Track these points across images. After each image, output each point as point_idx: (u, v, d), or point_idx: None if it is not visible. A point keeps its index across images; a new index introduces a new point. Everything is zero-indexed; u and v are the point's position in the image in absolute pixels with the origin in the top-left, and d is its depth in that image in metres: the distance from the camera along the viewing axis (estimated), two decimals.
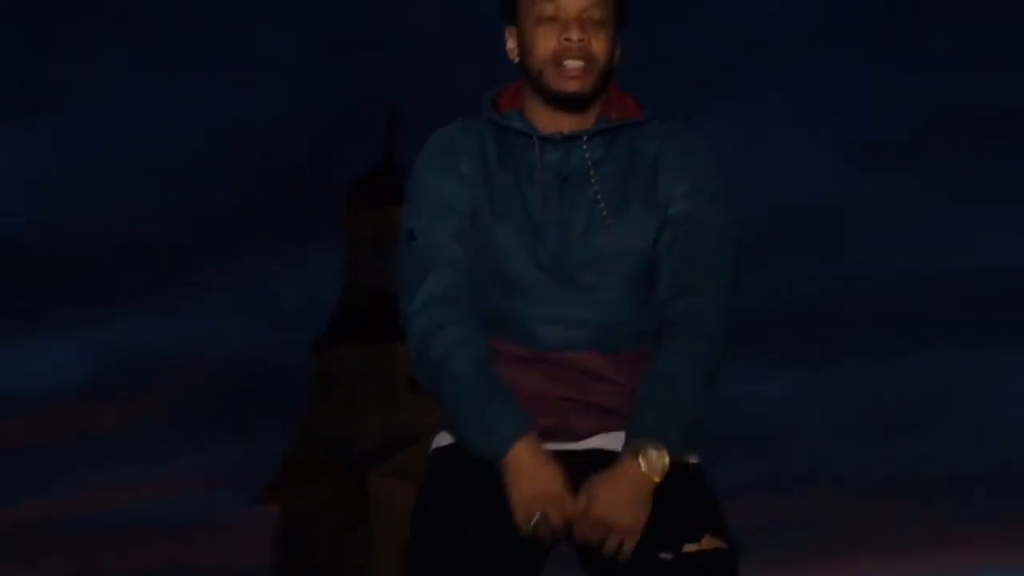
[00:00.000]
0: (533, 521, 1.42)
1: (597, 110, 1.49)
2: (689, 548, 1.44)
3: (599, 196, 1.47)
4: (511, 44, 1.50)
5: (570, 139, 1.48)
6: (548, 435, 1.46)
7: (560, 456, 1.45)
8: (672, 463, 1.43)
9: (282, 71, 28.75)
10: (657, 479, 1.41)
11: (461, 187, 1.48)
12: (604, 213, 1.46)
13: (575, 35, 1.45)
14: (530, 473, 1.42)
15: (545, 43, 1.46)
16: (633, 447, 1.42)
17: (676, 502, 1.44)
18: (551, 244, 1.46)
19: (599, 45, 1.46)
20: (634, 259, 1.47)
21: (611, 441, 1.47)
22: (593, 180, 1.47)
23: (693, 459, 1.49)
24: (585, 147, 1.48)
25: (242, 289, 26.00)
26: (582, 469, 1.45)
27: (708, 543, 1.45)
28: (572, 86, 1.45)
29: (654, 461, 1.41)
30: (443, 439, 1.51)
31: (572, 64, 1.45)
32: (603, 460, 1.45)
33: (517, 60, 1.49)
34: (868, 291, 25.85)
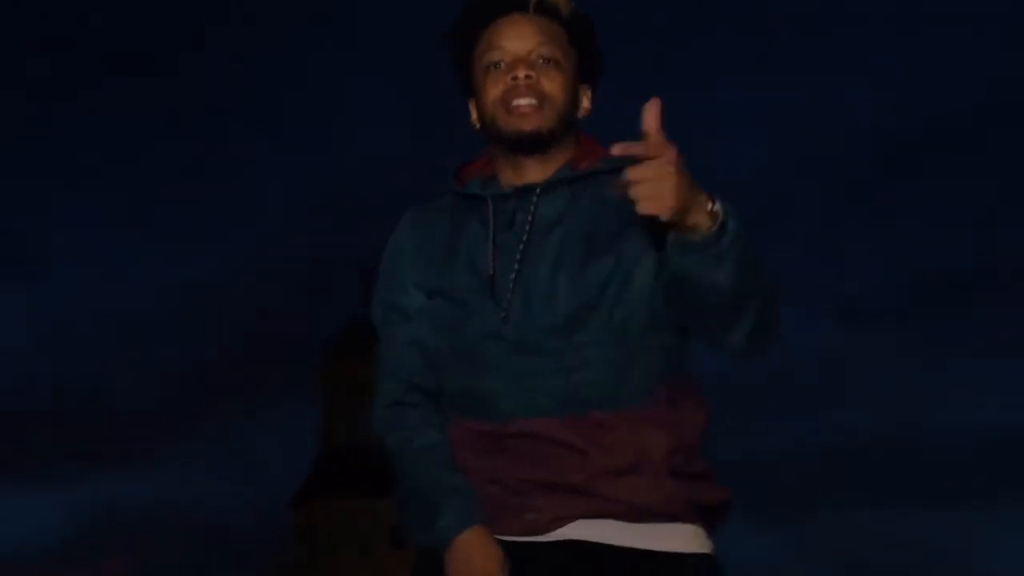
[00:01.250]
0: None
1: (561, 158, 1.41)
2: None
3: (559, 250, 1.37)
4: (473, 115, 1.43)
5: (524, 191, 1.39)
6: (509, 526, 1.37)
7: (525, 549, 1.37)
8: (683, 555, 1.36)
9: (261, 232, 29.02)
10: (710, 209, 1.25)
11: (416, 282, 1.43)
12: (564, 268, 1.37)
13: (522, 72, 1.38)
14: (467, 561, 1.36)
15: (494, 88, 1.39)
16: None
17: None
18: (513, 311, 1.37)
19: (551, 84, 1.38)
20: (607, 312, 1.36)
21: (589, 530, 1.37)
22: (554, 234, 1.38)
23: (708, 549, 1.40)
24: (535, 200, 1.39)
25: (219, 445, 25.98)
26: (552, 566, 1.36)
27: None
28: (524, 124, 1.38)
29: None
30: None
31: (521, 102, 1.38)
32: (579, 554, 1.36)
33: (479, 127, 1.42)
34: (847, 447, 25.88)
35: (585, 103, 1.43)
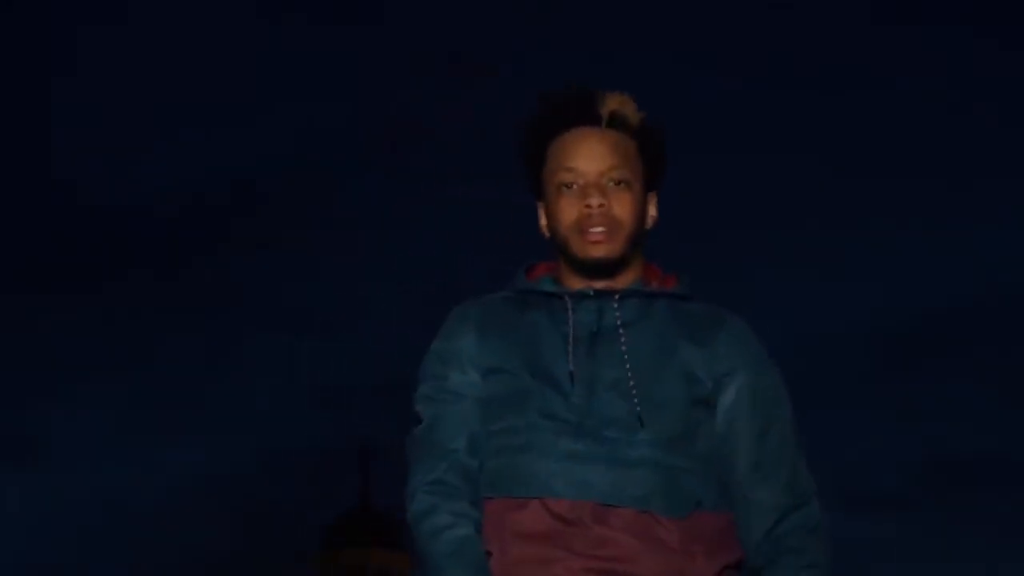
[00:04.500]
0: None
1: (631, 275, 1.44)
2: None
3: (626, 355, 1.39)
4: (543, 220, 1.45)
5: (602, 295, 1.42)
6: None
7: None
8: None
9: (260, 422, 28.98)
10: None
11: (469, 362, 1.43)
12: (630, 374, 1.38)
13: (595, 200, 1.39)
14: None
15: (568, 212, 1.41)
16: None
17: None
18: (576, 398, 1.39)
19: (621, 208, 1.40)
20: (667, 423, 1.38)
21: None
22: (623, 339, 1.40)
23: None
24: (616, 305, 1.41)
25: None
26: None
27: None
28: (597, 251, 1.40)
29: None
30: None
31: (595, 230, 1.39)
32: None
33: (549, 235, 1.44)
34: None
35: (652, 211, 1.46)
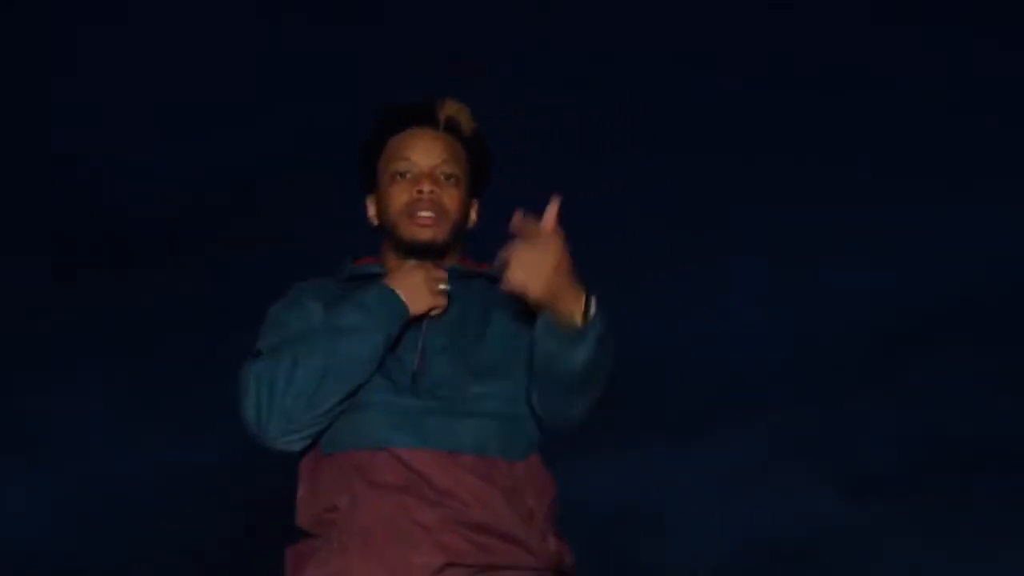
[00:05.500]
0: (439, 288, 1.48)
1: (451, 261, 1.55)
2: None
3: (453, 322, 1.51)
4: (371, 211, 1.57)
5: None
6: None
7: None
8: None
9: None
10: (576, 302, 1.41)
11: (309, 318, 1.51)
12: (458, 338, 1.50)
13: (426, 187, 1.51)
14: (398, 273, 1.49)
15: (399, 197, 1.52)
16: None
17: None
18: (408, 363, 1.48)
19: (450, 200, 1.52)
20: (496, 379, 1.48)
21: None
22: (448, 309, 1.51)
23: None
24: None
25: None
26: None
27: None
28: (424, 234, 1.51)
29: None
30: None
31: (424, 214, 1.51)
32: None
33: (377, 223, 1.56)
34: None
35: (473, 216, 1.58)
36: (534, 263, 1.38)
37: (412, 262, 1.52)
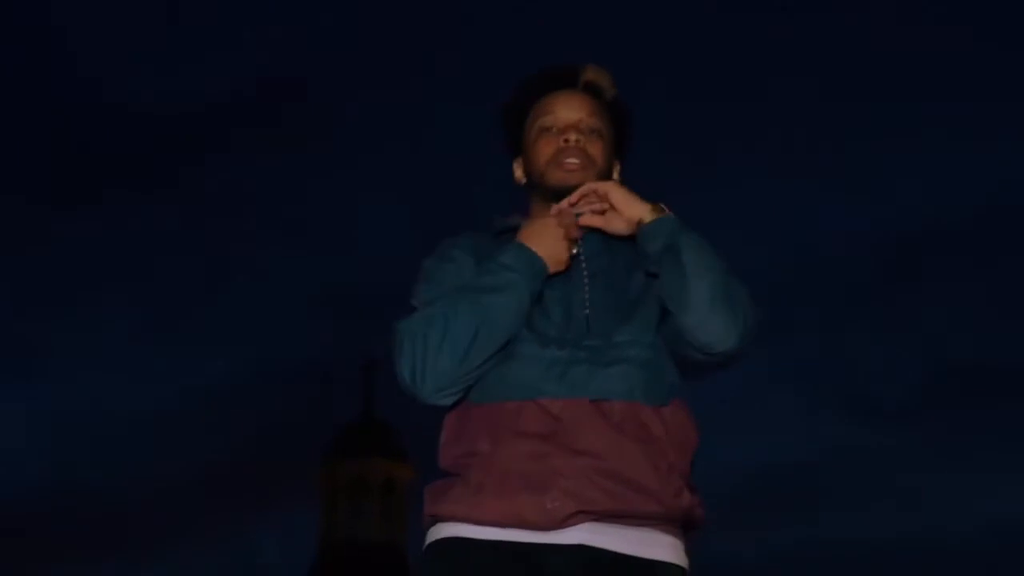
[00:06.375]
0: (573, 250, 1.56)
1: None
2: None
3: (593, 278, 1.57)
4: (519, 173, 1.64)
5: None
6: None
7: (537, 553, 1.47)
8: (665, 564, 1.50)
9: (262, 335, 29.05)
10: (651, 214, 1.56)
11: (462, 271, 1.57)
12: (600, 293, 1.56)
13: (573, 136, 1.59)
14: (534, 226, 1.56)
15: (547, 148, 1.59)
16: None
17: None
18: (555, 316, 1.55)
19: (594, 149, 1.59)
20: (636, 327, 1.55)
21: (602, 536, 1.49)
22: (587, 266, 1.58)
23: (683, 563, 1.53)
24: (581, 240, 1.59)
25: (220, 543, 25.82)
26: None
27: None
28: (571, 179, 1.58)
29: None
30: (436, 532, 1.53)
31: (571, 160, 1.58)
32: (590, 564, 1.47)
33: (524, 181, 1.63)
34: (867, 545, 25.60)
35: (615, 175, 1.64)
36: (618, 189, 1.55)
37: (552, 212, 1.56)
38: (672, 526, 1.52)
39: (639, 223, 1.54)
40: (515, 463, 1.49)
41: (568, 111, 1.60)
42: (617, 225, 1.56)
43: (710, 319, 1.51)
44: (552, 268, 1.54)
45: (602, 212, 1.56)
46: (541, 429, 1.49)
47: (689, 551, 1.54)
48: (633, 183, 1.62)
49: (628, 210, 1.55)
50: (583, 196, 1.57)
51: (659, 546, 1.50)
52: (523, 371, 1.51)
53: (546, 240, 1.53)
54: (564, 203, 1.58)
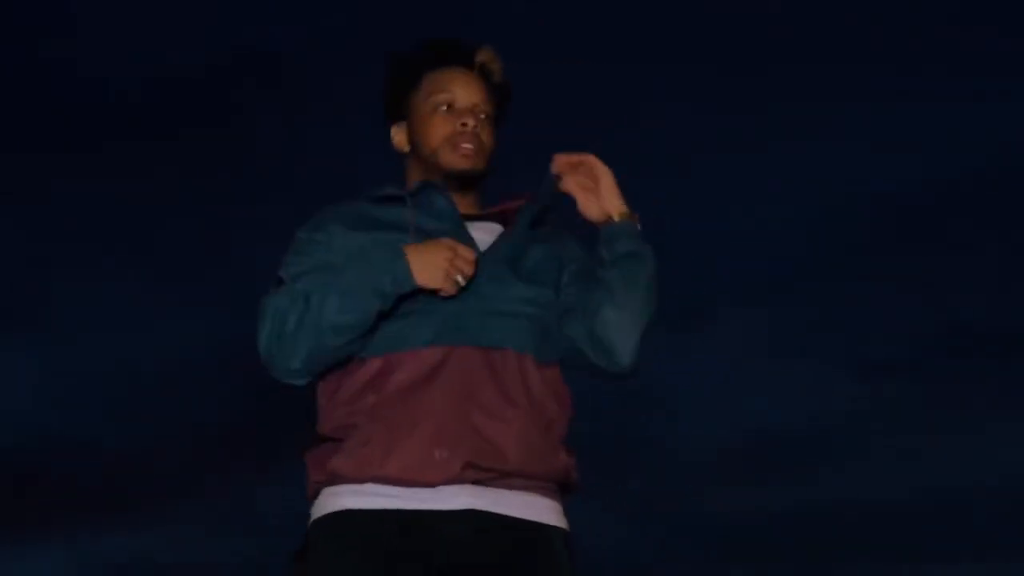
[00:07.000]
0: (455, 277, 1.50)
1: (473, 197, 1.63)
2: None
3: (493, 246, 1.58)
4: (398, 138, 1.65)
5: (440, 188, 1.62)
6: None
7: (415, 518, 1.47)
8: (546, 530, 1.50)
9: (265, 287, 28.95)
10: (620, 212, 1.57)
11: (336, 239, 1.58)
12: (496, 251, 1.57)
13: (471, 122, 1.60)
14: (426, 245, 1.53)
15: (441, 128, 1.61)
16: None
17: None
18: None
19: (486, 135, 1.62)
20: (530, 286, 1.57)
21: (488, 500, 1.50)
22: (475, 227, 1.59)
23: (566, 526, 1.54)
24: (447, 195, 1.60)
25: (221, 498, 25.78)
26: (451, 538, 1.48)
27: None
28: (465, 163, 1.60)
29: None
30: (321, 507, 1.52)
31: (467, 145, 1.60)
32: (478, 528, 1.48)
33: (407, 150, 1.64)
34: (872, 504, 25.45)
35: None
36: (608, 174, 1.57)
37: (447, 240, 1.54)
38: (552, 489, 1.52)
39: (609, 218, 1.58)
40: (402, 413, 1.48)
41: (466, 93, 1.63)
42: (591, 210, 1.58)
43: (630, 335, 1.55)
44: (420, 283, 1.52)
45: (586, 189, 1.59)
46: (427, 376, 1.49)
47: (566, 515, 1.54)
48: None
49: (609, 199, 1.58)
50: (580, 164, 1.59)
51: (544, 509, 1.51)
52: (414, 323, 1.51)
53: (430, 258, 1.52)
54: (563, 162, 1.59)
